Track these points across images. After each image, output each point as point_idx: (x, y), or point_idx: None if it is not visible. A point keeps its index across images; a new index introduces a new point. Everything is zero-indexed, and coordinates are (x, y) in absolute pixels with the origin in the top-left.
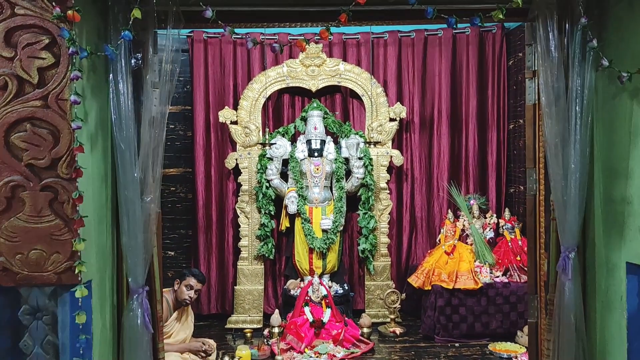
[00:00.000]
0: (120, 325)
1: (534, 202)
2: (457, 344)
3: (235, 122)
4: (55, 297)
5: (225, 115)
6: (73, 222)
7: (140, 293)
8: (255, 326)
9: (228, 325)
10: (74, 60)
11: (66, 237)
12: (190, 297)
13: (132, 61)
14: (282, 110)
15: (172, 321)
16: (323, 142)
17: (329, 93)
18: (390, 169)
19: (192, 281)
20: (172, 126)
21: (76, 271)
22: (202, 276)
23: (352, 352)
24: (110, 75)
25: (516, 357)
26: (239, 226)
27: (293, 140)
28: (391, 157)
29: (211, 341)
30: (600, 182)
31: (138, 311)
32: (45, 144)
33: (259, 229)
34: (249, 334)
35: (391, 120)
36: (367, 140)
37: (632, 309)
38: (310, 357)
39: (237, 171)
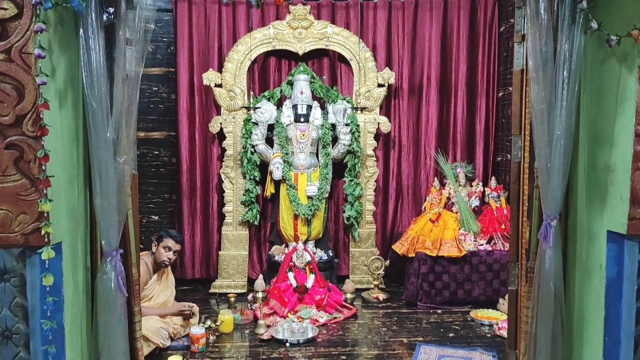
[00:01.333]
0: (94, 288)
1: (518, 169)
2: (439, 311)
3: (220, 85)
4: (23, 259)
5: (210, 77)
6: (39, 182)
7: (114, 256)
8: (239, 291)
9: (212, 290)
10: (38, 12)
11: (33, 197)
12: (169, 258)
13: (104, 16)
14: (268, 73)
15: (152, 283)
16: (309, 107)
17: (316, 57)
18: (378, 135)
19: (170, 242)
20: (156, 88)
21: (42, 232)
22: (180, 237)
23: (335, 317)
24: (80, 29)
25: (497, 324)
26: (224, 191)
27: (279, 105)
28: (379, 123)
29: (193, 305)
30: (585, 149)
31: (112, 274)
32: (9, 100)
33: (244, 195)
34: (232, 299)
35: (379, 85)
36: (355, 106)
37: (610, 277)
38: (293, 321)
39: (221, 135)
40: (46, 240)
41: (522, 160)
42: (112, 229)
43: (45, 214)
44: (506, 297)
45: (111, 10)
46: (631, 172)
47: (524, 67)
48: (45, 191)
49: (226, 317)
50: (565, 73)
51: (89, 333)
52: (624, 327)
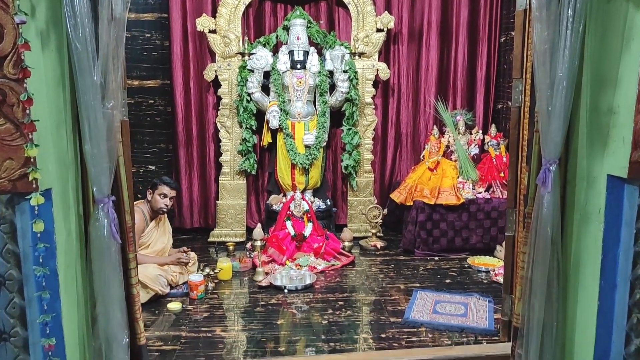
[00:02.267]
0: (88, 235)
1: (518, 114)
2: (436, 258)
3: (214, 32)
4: (12, 205)
5: (203, 23)
6: (24, 127)
7: (106, 203)
8: (238, 240)
9: (211, 239)
10: None
11: (18, 142)
12: (165, 205)
13: None
14: (263, 19)
15: (150, 231)
16: (306, 54)
17: (313, 1)
18: (376, 83)
19: (165, 189)
20: (148, 35)
21: (30, 178)
22: (174, 183)
23: (333, 265)
24: None
25: (494, 271)
26: (220, 141)
27: (275, 51)
28: (377, 70)
29: (191, 253)
30: (588, 91)
31: (104, 221)
32: None
33: (241, 144)
34: (231, 247)
35: (378, 30)
36: (353, 52)
37: (609, 221)
38: (292, 269)
39: (217, 83)
40: (34, 186)
41: (522, 104)
42: (103, 175)
43: (32, 160)
44: (503, 244)
45: None
46: (634, 114)
47: (527, 6)
48: (30, 136)
49: (225, 265)
50: (569, 11)
51: (84, 280)
52: (620, 271)
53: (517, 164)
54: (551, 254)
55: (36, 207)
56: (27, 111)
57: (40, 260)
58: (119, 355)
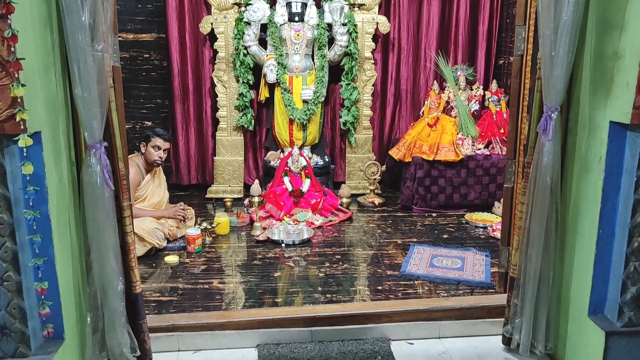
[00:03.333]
0: (80, 182)
1: (520, 62)
2: (434, 214)
3: None
4: (1, 148)
5: None
6: (9, 65)
7: (98, 149)
8: (235, 196)
9: (208, 195)
10: None
11: (4, 82)
12: (160, 157)
13: None
14: None
15: (146, 184)
16: (304, 6)
17: None
18: (376, 37)
19: (159, 141)
20: None
21: (18, 119)
22: (167, 135)
23: (331, 220)
24: None
25: (491, 226)
26: (217, 96)
27: (272, 3)
28: (377, 23)
29: (189, 208)
30: (593, 35)
31: (97, 167)
32: None
33: (238, 99)
34: (229, 203)
35: None
36: (352, 3)
37: (609, 169)
38: (289, 224)
39: (213, 37)
40: (22, 127)
41: (525, 52)
42: (95, 120)
43: (19, 100)
44: (502, 200)
45: None
46: None
47: None
48: (17, 75)
49: (222, 219)
50: None
51: (78, 227)
52: (619, 220)
53: (517, 114)
54: (550, 204)
55: (25, 149)
56: (12, 49)
57: (31, 203)
58: (114, 302)
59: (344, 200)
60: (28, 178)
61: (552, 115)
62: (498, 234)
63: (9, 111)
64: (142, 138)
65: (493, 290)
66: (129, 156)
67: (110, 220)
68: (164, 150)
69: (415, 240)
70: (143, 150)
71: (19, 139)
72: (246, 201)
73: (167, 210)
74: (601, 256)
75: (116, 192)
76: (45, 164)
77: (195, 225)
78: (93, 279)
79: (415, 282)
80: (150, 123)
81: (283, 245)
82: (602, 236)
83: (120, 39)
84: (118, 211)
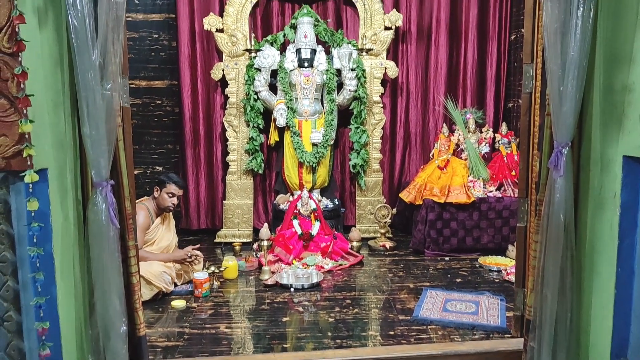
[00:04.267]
0: (86, 221)
1: (529, 100)
2: (446, 258)
3: (222, 30)
4: (6, 185)
5: (211, 22)
6: (19, 101)
7: (104, 186)
8: (244, 240)
9: (217, 240)
10: None
11: (13, 118)
12: (173, 204)
13: None
14: (270, 18)
15: (155, 227)
16: (314, 52)
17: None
18: (385, 81)
19: (173, 188)
20: (156, 36)
21: (24, 155)
22: (182, 181)
23: (341, 264)
24: None
25: (506, 270)
26: (227, 140)
27: (282, 50)
28: (385, 68)
29: (198, 252)
30: (601, 70)
31: (102, 206)
32: None
33: (248, 143)
34: (238, 247)
35: (386, 29)
36: (360, 48)
37: (625, 205)
38: (298, 268)
39: (224, 83)
40: (29, 163)
41: (533, 90)
42: (102, 158)
43: (27, 136)
44: (515, 243)
45: None
46: None
47: None
48: (25, 111)
49: (230, 263)
50: None
51: (82, 266)
52: (638, 257)
53: (528, 151)
54: (564, 242)
55: (31, 185)
56: (22, 85)
57: (35, 240)
58: (117, 345)
59: (355, 243)
60: (33, 214)
61: (563, 150)
62: (512, 278)
63: (16, 147)
64: (153, 183)
65: (509, 335)
66: (140, 199)
67: (115, 259)
68: (178, 197)
69: (427, 284)
70: (156, 195)
71: (25, 174)
72: (255, 245)
73: (175, 253)
74: (621, 296)
75: (122, 231)
76: (50, 201)
77: (203, 268)
78: (96, 320)
79: (429, 326)
80: (161, 168)
81: (292, 289)
82: (621, 275)
83: (133, 86)
84: (123, 251)
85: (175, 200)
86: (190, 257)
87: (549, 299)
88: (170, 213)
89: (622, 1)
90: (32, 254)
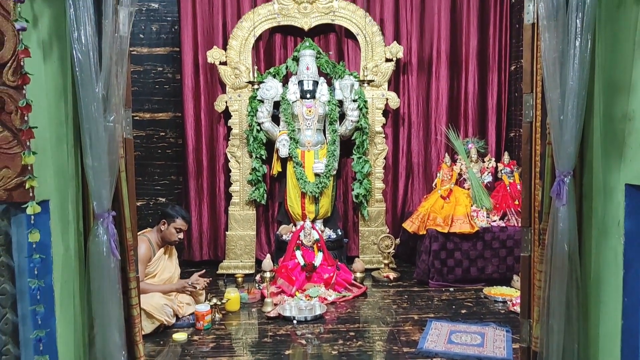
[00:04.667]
0: (87, 252)
1: (530, 129)
2: (451, 289)
3: (225, 63)
4: (7, 216)
5: (214, 55)
6: (22, 134)
7: (106, 218)
8: (247, 272)
9: (220, 271)
10: None
11: (15, 150)
12: (180, 238)
13: None
14: (273, 51)
15: (157, 260)
16: (316, 83)
17: (322, 32)
18: (386, 112)
19: (181, 223)
20: (160, 69)
21: (27, 186)
22: (189, 216)
23: (344, 296)
24: None
25: (511, 301)
26: (230, 171)
27: (285, 82)
28: (387, 99)
29: (201, 279)
30: (600, 99)
31: (104, 237)
32: None
33: (251, 174)
34: (240, 279)
35: (387, 60)
36: (362, 79)
37: (629, 233)
38: (301, 299)
39: (227, 114)
40: (31, 195)
41: (533, 119)
42: (104, 190)
43: (29, 167)
44: (520, 273)
45: None
46: None
47: (535, 20)
48: (28, 143)
49: (232, 295)
50: (578, 20)
51: (82, 299)
52: None
53: (530, 180)
54: (569, 272)
55: (32, 217)
56: (25, 118)
57: (36, 272)
58: None
59: (358, 274)
60: (34, 246)
61: (565, 179)
62: (518, 309)
63: (19, 179)
64: (156, 215)
65: None
66: (142, 231)
67: (115, 291)
68: (184, 232)
69: (432, 315)
70: (163, 228)
71: (27, 206)
72: (257, 277)
73: (175, 283)
74: (629, 326)
75: (123, 263)
76: (52, 233)
77: (205, 301)
78: (95, 354)
79: (434, 359)
80: (164, 199)
81: (295, 321)
82: (627, 305)
83: (137, 118)
84: (124, 283)
85: (181, 235)
86: (190, 286)
87: (555, 329)
88: (173, 247)
89: (619, 31)
90: (33, 286)
